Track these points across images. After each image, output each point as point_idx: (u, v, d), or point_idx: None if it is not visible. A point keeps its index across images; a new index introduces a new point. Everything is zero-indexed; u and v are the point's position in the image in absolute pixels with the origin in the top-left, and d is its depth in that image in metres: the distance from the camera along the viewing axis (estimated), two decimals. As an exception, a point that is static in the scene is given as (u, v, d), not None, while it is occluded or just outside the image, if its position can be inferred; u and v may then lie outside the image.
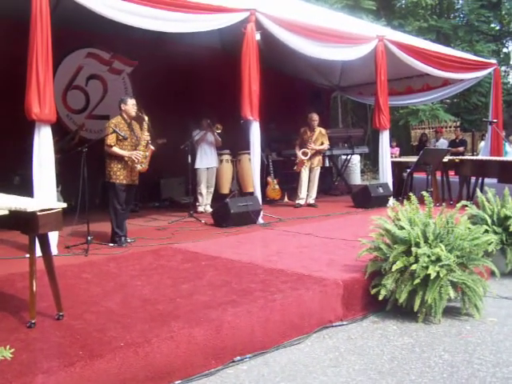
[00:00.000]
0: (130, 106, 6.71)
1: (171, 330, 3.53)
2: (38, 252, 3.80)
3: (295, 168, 10.21)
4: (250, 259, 5.56)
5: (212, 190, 9.71)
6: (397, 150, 17.39)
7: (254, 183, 8.17)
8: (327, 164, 13.24)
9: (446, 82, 12.05)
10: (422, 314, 4.48)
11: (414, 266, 4.40)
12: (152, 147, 6.92)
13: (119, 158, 6.62)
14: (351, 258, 5.19)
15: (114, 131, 6.50)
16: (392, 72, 10.30)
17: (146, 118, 6.83)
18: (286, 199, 10.85)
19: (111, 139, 6.54)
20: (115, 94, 11.00)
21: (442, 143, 15.65)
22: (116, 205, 6.69)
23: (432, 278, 4.32)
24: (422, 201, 4.98)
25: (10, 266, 5.42)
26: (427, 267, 4.37)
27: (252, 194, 8.52)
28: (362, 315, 4.64)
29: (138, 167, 6.73)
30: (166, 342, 3.41)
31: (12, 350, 2.42)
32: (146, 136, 6.81)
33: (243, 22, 7.66)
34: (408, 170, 9.96)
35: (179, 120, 9.11)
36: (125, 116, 6.72)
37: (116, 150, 6.58)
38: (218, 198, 9.72)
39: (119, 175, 6.62)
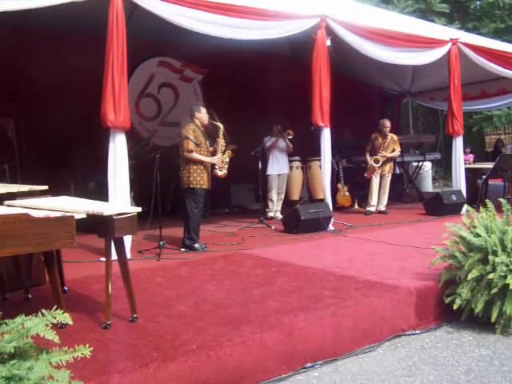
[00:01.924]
0: (204, 113, 6.86)
1: (243, 335, 3.55)
2: (114, 255, 3.91)
3: (366, 175, 10.09)
4: (321, 265, 5.53)
5: (282, 196, 9.73)
6: (471, 157, 16.90)
7: (325, 190, 8.12)
8: (398, 171, 13.01)
9: (524, 85, 11.61)
10: (500, 326, 4.32)
11: (491, 275, 4.24)
12: (230, 152, 7.08)
13: (198, 164, 6.72)
14: (424, 266, 5.07)
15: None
16: (465, 76, 10.01)
17: (222, 126, 6.97)
18: (356, 206, 10.74)
19: (191, 144, 6.65)
20: (186, 102, 11.19)
21: (519, 149, 15.12)
22: (194, 210, 6.78)
23: (511, 287, 4.16)
24: (498, 208, 4.81)
25: (87, 268, 5.59)
26: (505, 276, 4.20)
27: (322, 200, 8.47)
28: (436, 324, 4.52)
29: (219, 173, 6.92)
30: (238, 347, 3.43)
31: (90, 349, 2.49)
32: (223, 142, 6.95)
33: (313, 29, 7.65)
34: (483, 177, 9.65)
35: (250, 126, 9.21)
36: (198, 123, 6.84)
37: (196, 155, 6.69)
38: (287, 204, 9.72)
39: (199, 180, 6.72)
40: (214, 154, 6.96)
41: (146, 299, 4.42)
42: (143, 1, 6.03)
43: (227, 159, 7.02)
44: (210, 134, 7.14)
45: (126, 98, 6.00)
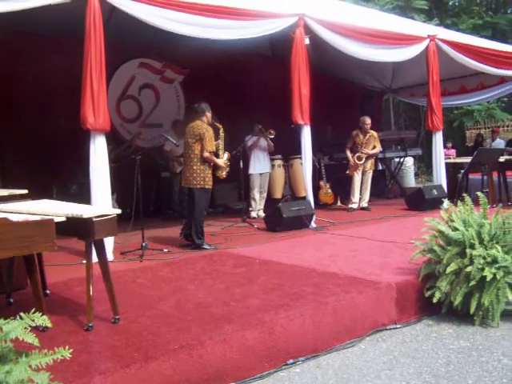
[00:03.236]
0: (210, 114, 6.99)
1: (224, 333, 3.58)
2: (95, 258, 3.93)
3: (348, 172, 10.14)
4: (303, 263, 5.57)
5: (265, 195, 9.75)
6: (453, 152, 17.04)
7: (307, 187, 8.17)
8: (380, 167, 13.10)
9: (503, 80, 11.70)
10: (479, 318, 4.39)
11: (469, 268, 4.31)
12: (228, 154, 7.34)
13: (209, 164, 6.85)
14: (405, 261, 5.13)
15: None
16: (445, 72, 10.12)
17: (221, 128, 7.15)
18: (338, 203, 10.79)
19: (214, 146, 6.80)
20: (167, 103, 11.24)
21: (499, 143, 15.27)
22: (205, 210, 6.94)
23: (488, 280, 4.23)
24: (477, 202, 4.88)
25: (68, 271, 5.58)
26: (483, 269, 4.27)
27: (304, 198, 8.52)
28: (416, 318, 4.58)
29: (223, 174, 7.18)
30: (220, 345, 3.46)
31: (71, 351, 2.51)
32: (222, 144, 7.11)
33: (292, 27, 7.68)
34: (462, 171, 9.76)
35: (231, 126, 9.24)
36: (205, 122, 6.91)
37: (213, 157, 6.85)
38: (270, 202, 9.75)
39: (209, 180, 6.83)
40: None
41: (128, 300, 4.43)
42: (118, 2, 6.02)
43: (227, 161, 7.26)
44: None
45: (105, 101, 6.00)
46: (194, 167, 6.77)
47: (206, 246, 6.76)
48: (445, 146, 15.56)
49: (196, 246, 6.77)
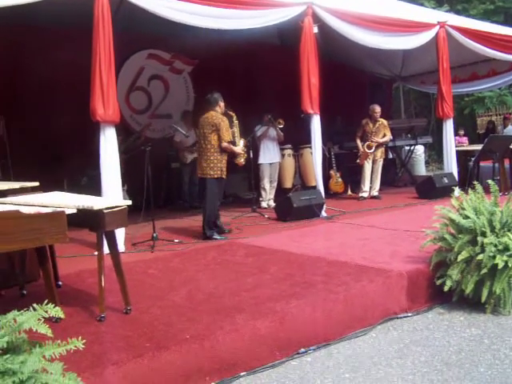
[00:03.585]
0: (223, 103, 7.01)
1: (236, 323, 3.60)
2: (106, 249, 3.95)
3: (358, 161, 10.12)
4: (313, 252, 5.58)
5: (275, 184, 9.75)
6: (466, 139, 16.92)
7: (317, 177, 8.16)
8: (390, 156, 13.05)
9: (515, 66, 11.62)
10: (491, 305, 4.38)
11: (480, 256, 4.29)
12: (245, 140, 7.51)
13: (226, 154, 6.88)
14: (415, 250, 5.12)
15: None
16: (455, 59, 10.06)
17: (234, 116, 7.24)
18: (349, 192, 10.78)
19: (230, 135, 6.84)
20: (176, 94, 11.24)
21: (510, 130, 15.14)
22: (218, 198, 6.99)
23: (500, 267, 4.21)
24: (488, 190, 4.85)
25: (80, 263, 5.61)
26: (494, 257, 4.25)
27: (315, 187, 8.52)
28: (428, 307, 4.58)
29: (242, 161, 7.37)
30: (231, 335, 3.48)
31: (83, 342, 2.53)
32: (237, 131, 7.21)
33: (300, 16, 7.65)
34: (473, 159, 9.70)
35: (240, 116, 9.24)
36: (219, 112, 6.93)
37: (231, 146, 6.89)
38: (280, 192, 9.76)
39: (225, 171, 6.88)
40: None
41: (139, 291, 4.46)
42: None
43: (244, 148, 7.41)
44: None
45: (115, 92, 6.01)
46: (211, 157, 6.77)
47: (216, 236, 6.78)
48: (457, 134, 15.52)
49: (206, 237, 6.79)
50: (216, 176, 6.78)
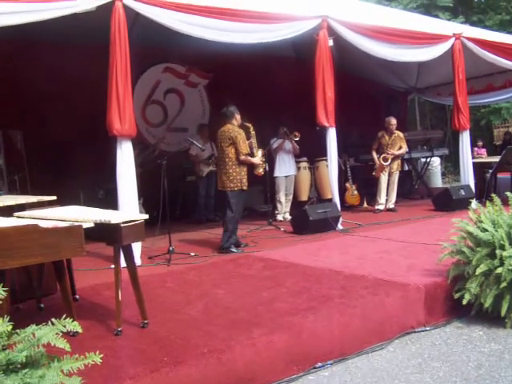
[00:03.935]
0: (239, 115, 7.05)
1: (252, 337, 3.59)
2: (123, 263, 3.96)
3: (374, 173, 10.08)
4: (330, 265, 5.55)
5: (291, 197, 9.74)
6: (484, 151, 16.80)
7: (333, 189, 8.15)
8: (406, 168, 12.99)
9: (531, 77, 11.55)
10: (510, 320, 4.32)
11: (499, 270, 4.25)
12: (262, 150, 7.55)
13: (245, 166, 6.94)
14: (433, 263, 5.07)
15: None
16: (471, 70, 10.00)
17: (251, 127, 7.31)
18: (365, 204, 10.73)
19: (247, 148, 6.89)
20: (192, 107, 11.30)
21: (528, 141, 15.02)
22: (240, 211, 7.06)
23: (519, 281, 4.17)
24: (506, 202, 4.81)
25: (97, 276, 5.64)
26: (513, 270, 4.21)
27: (331, 200, 8.49)
28: (446, 320, 4.54)
29: (261, 171, 7.47)
30: (248, 349, 3.47)
31: (101, 356, 2.53)
32: (254, 142, 7.28)
33: (315, 29, 7.67)
34: (490, 171, 9.63)
35: (256, 129, 9.29)
36: (236, 125, 6.98)
37: (249, 157, 6.93)
38: (296, 205, 9.74)
39: (245, 182, 6.93)
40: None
41: (156, 305, 4.47)
42: (142, 8, 6.08)
43: (263, 158, 7.51)
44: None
45: (131, 106, 6.06)
46: (230, 170, 6.82)
47: (233, 249, 6.79)
48: (475, 145, 15.41)
49: (223, 248, 6.80)
50: (236, 188, 6.82)
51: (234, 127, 6.90)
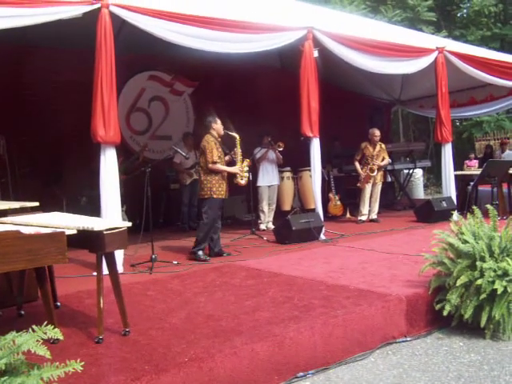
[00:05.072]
0: (220, 124, 7.08)
1: (234, 346, 3.58)
2: (105, 270, 3.94)
3: (359, 184, 10.13)
4: (312, 275, 5.57)
5: (274, 207, 9.76)
6: (475, 163, 16.96)
7: (316, 199, 8.18)
8: (389, 179, 13.08)
9: (512, 92, 11.71)
10: (490, 331, 4.36)
11: (479, 281, 4.29)
12: (248, 161, 7.52)
13: (218, 174, 6.94)
14: (414, 274, 5.11)
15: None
16: (453, 84, 10.13)
17: (238, 136, 7.33)
18: (348, 215, 10.78)
19: (215, 156, 6.88)
20: (177, 115, 11.32)
21: (509, 155, 15.18)
22: (212, 219, 6.96)
23: (499, 293, 4.21)
24: (486, 214, 4.86)
25: (78, 283, 5.61)
26: (493, 282, 4.25)
27: (314, 210, 8.52)
28: (427, 331, 4.56)
29: (241, 181, 7.38)
30: (230, 358, 3.46)
31: (82, 364, 2.52)
32: (240, 152, 7.30)
33: (301, 40, 7.72)
34: (472, 183, 9.73)
35: (240, 138, 9.34)
36: (215, 134, 7.02)
37: (220, 166, 6.93)
38: (279, 214, 9.76)
39: (221, 190, 6.94)
40: (229, 163, 7.25)
41: (138, 313, 4.45)
42: (128, 15, 6.07)
43: (246, 168, 7.42)
44: (224, 142, 7.40)
45: (116, 113, 6.05)
46: (202, 178, 6.98)
47: (200, 255, 6.86)
48: (467, 158, 15.61)
49: (191, 253, 6.92)
50: (206, 196, 6.88)
51: (208, 137, 6.98)
